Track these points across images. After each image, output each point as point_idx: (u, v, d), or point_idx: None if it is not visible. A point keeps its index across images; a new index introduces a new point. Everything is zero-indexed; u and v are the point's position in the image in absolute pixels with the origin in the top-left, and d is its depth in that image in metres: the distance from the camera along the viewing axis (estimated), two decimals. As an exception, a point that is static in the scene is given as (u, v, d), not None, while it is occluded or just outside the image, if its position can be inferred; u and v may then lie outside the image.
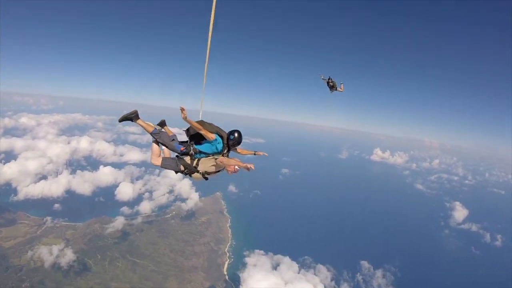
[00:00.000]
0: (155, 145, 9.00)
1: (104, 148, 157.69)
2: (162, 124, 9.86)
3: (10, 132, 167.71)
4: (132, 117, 8.96)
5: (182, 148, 8.87)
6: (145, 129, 9.04)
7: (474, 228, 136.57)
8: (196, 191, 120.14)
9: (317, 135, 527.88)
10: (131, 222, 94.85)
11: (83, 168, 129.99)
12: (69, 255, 75.26)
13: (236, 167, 7.80)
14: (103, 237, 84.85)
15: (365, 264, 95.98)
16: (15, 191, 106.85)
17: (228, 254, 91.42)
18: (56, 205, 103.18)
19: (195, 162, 8.63)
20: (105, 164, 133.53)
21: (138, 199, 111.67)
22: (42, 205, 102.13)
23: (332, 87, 17.87)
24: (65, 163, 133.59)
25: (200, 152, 8.75)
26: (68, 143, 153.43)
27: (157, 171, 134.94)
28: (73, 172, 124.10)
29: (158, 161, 8.89)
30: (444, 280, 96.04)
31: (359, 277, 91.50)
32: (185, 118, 8.07)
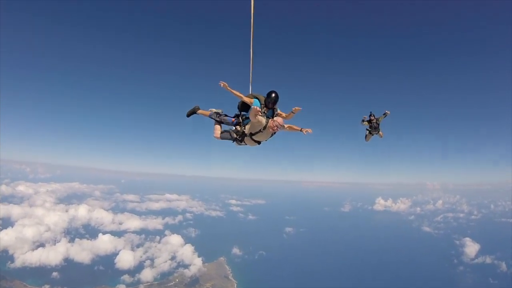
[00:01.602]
0: (216, 124, 10.57)
1: (102, 216, 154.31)
2: (197, 108, 11.28)
3: (7, 199, 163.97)
4: (193, 110, 11.03)
5: (233, 119, 10.24)
6: (204, 114, 10.87)
7: (488, 260, 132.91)
8: (199, 256, 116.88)
9: (317, 191, 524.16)
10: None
11: (81, 236, 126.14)
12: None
13: (276, 122, 8.68)
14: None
15: None
16: (11, 258, 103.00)
17: None
18: (54, 273, 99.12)
19: (243, 128, 9.62)
20: (104, 232, 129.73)
21: (139, 267, 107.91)
22: (39, 273, 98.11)
23: (375, 129, 15.56)
24: (63, 231, 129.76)
25: (246, 118, 9.69)
26: (66, 211, 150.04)
27: (158, 237, 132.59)
28: (71, 240, 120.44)
29: (217, 135, 10.33)
30: None
31: None
32: (226, 88, 8.67)
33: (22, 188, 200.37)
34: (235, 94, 8.86)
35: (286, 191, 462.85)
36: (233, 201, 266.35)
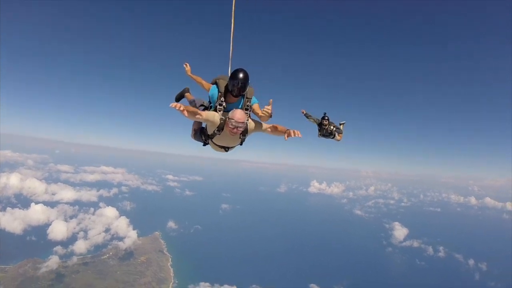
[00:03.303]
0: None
1: (35, 185, 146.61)
2: (186, 91, 9.19)
3: None
4: (181, 93, 8.88)
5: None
6: (188, 100, 8.70)
7: (415, 244, 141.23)
8: (134, 229, 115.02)
9: (254, 171, 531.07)
10: (66, 263, 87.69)
11: (13, 206, 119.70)
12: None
13: (232, 120, 6.15)
14: (36, 279, 78.43)
15: (314, 287, 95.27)
16: None
17: None
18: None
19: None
20: (37, 202, 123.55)
21: (73, 239, 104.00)
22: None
23: (329, 134, 12.57)
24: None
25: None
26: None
27: (92, 209, 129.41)
28: (3, 209, 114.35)
29: (192, 134, 7.93)
30: (393, 287, 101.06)
31: None
32: (187, 73, 7.98)
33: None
34: (196, 80, 7.79)
35: (224, 169, 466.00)
36: (170, 177, 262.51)
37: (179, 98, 8.89)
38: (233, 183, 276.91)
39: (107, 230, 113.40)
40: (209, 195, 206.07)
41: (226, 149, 7.22)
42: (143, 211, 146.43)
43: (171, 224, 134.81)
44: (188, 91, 8.73)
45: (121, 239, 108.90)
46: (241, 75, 6.33)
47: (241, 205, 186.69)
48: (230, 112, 6.28)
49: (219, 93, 6.73)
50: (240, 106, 6.73)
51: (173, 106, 5.42)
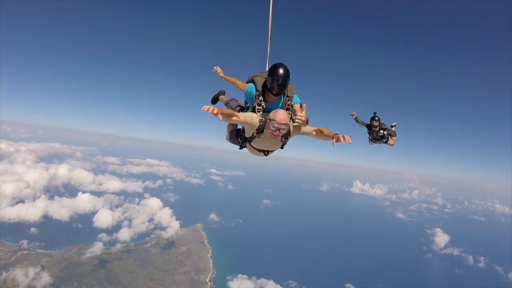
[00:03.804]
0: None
1: (83, 176, 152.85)
2: (221, 93, 8.57)
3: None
4: (217, 95, 8.29)
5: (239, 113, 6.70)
6: (222, 101, 8.17)
7: (456, 252, 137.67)
8: (176, 220, 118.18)
9: (297, 169, 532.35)
10: (109, 250, 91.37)
11: (61, 195, 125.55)
12: (45, 278, 72.44)
13: (271, 125, 5.47)
14: (80, 264, 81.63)
15: (350, 286, 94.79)
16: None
17: (210, 284, 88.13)
18: (33, 229, 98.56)
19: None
20: (84, 192, 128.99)
21: (117, 227, 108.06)
22: (18, 229, 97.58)
23: (381, 137, 11.67)
24: (43, 188, 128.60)
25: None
26: (47, 169, 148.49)
27: (137, 200, 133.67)
28: (51, 198, 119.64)
29: (227, 135, 7.51)
30: None
31: None
32: (220, 75, 7.33)
33: (3, 146, 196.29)
34: (230, 82, 7.04)
35: (267, 166, 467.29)
36: (214, 171, 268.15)
37: (214, 101, 8.32)
38: (275, 179, 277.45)
39: (150, 220, 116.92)
40: (251, 190, 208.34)
41: (266, 153, 6.64)
42: (187, 203, 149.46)
43: (213, 216, 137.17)
44: (223, 94, 8.22)
45: (163, 229, 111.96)
46: (281, 71, 5.73)
47: (282, 202, 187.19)
48: (271, 113, 5.62)
49: (257, 92, 6.14)
50: (280, 106, 6.17)
51: (206, 109, 4.84)
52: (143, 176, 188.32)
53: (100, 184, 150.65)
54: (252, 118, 5.75)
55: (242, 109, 7.01)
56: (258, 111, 5.92)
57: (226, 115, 5.15)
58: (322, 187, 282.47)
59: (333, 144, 5.36)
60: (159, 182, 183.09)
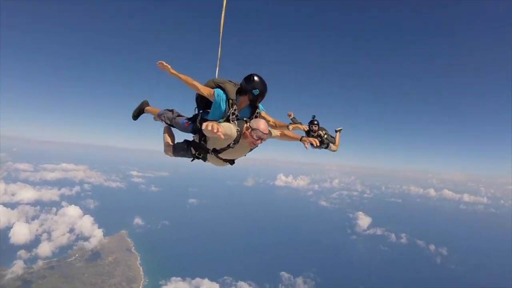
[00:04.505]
0: (166, 130, 7.15)
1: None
2: (144, 104, 7.82)
3: None
4: (141, 107, 7.51)
5: (186, 122, 6.67)
6: (153, 114, 7.36)
7: (379, 232, 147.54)
8: (99, 228, 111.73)
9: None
10: (31, 269, 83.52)
11: None
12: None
13: (258, 132, 5.36)
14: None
15: (284, 274, 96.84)
16: None
17: None
18: None
19: (203, 139, 6.21)
20: None
21: (36, 241, 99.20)
22: None
23: (321, 143, 10.60)
24: None
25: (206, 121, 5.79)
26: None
27: (54, 209, 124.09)
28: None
29: (169, 151, 6.89)
30: (360, 274, 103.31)
31: (281, 287, 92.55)
32: (170, 71, 5.83)
33: None
34: (183, 80, 5.96)
35: (190, 164, 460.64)
36: (135, 173, 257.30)
37: (137, 114, 7.64)
38: (200, 177, 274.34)
39: (71, 230, 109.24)
40: (176, 190, 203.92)
41: (232, 162, 6.43)
42: (108, 209, 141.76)
43: (137, 220, 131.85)
44: (147, 104, 7.57)
45: (86, 239, 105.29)
46: (264, 83, 5.74)
47: (208, 200, 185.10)
48: (252, 122, 5.53)
49: (230, 100, 5.83)
50: (249, 114, 6.02)
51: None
52: (58, 183, 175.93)
53: (12, 195, 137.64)
54: (231, 130, 5.49)
55: (192, 119, 6.58)
56: (233, 121, 5.71)
57: (210, 131, 4.78)
58: (247, 182, 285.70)
59: (306, 147, 5.91)
60: (77, 188, 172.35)
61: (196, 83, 5.95)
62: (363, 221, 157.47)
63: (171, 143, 6.96)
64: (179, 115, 6.91)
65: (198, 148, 6.30)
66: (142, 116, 7.58)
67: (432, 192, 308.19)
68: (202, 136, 6.11)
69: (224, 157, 6.16)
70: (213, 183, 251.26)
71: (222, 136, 4.81)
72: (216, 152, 6.00)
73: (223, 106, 5.81)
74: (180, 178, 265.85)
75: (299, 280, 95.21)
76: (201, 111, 6.47)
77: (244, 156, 6.36)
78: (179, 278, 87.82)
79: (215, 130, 4.62)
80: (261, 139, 5.47)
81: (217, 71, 6.62)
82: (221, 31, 6.45)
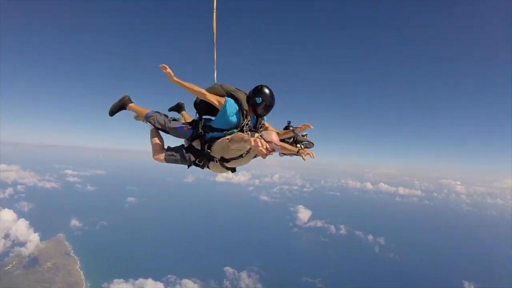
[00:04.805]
0: (153, 132, 6.78)
1: None
2: (179, 107, 7.70)
3: None
4: (122, 103, 6.90)
5: (185, 127, 6.45)
6: (139, 114, 6.90)
7: (319, 224, 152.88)
8: (35, 232, 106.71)
9: (160, 163, 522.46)
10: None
11: None
12: None
13: (266, 146, 4.91)
14: None
15: (229, 269, 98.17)
16: None
17: None
18: None
19: (206, 146, 6.10)
20: None
21: None
22: None
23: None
24: None
25: (212, 130, 6.06)
26: None
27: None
28: None
29: (161, 156, 6.50)
30: (302, 265, 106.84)
31: (226, 282, 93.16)
32: (172, 79, 5.68)
33: None
34: (187, 88, 5.82)
35: (128, 161, 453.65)
36: (70, 171, 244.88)
37: (116, 111, 6.98)
38: (138, 175, 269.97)
39: (6, 236, 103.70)
40: (113, 189, 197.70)
41: (234, 169, 6.35)
42: (43, 211, 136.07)
43: (74, 222, 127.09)
44: (130, 101, 6.92)
45: (22, 244, 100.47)
46: (273, 96, 5.81)
47: (147, 198, 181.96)
48: (265, 134, 5.31)
49: (245, 111, 5.84)
50: (254, 124, 6.07)
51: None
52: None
53: None
54: (249, 139, 5.04)
55: (192, 124, 6.47)
56: (246, 132, 5.77)
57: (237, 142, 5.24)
58: (188, 179, 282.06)
59: (304, 159, 6.26)
60: (9, 190, 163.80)
61: (203, 90, 5.85)
62: (304, 214, 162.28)
63: (163, 148, 6.61)
64: (174, 119, 6.72)
65: (198, 155, 6.22)
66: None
67: (369, 185, 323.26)
68: (206, 143, 6.11)
69: (232, 166, 6.16)
70: (152, 180, 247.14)
71: (265, 153, 4.81)
72: (223, 160, 5.98)
73: (237, 116, 5.81)
74: (117, 176, 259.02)
75: (244, 274, 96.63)
76: (203, 117, 6.43)
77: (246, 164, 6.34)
78: (121, 280, 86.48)
79: (265, 149, 4.67)
80: (273, 150, 5.23)
81: (215, 75, 6.46)
82: (214, 30, 6.36)
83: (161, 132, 6.82)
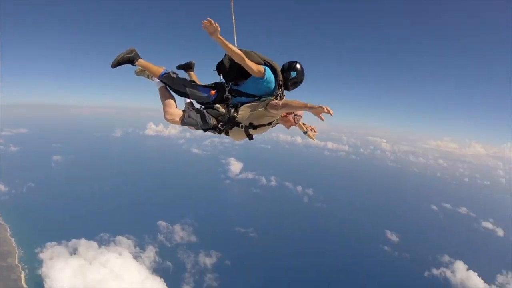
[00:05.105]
0: (164, 91, 6.26)
1: None
2: (189, 66, 7.03)
3: None
4: (131, 57, 6.07)
5: (212, 91, 6.11)
6: (150, 71, 6.24)
7: (250, 176, 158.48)
8: None
9: (86, 117, 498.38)
10: None
11: None
12: None
13: (296, 119, 6.06)
14: None
15: (162, 223, 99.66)
16: None
17: (20, 266, 79.01)
18: None
19: (232, 110, 6.01)
20: None
21: None
22: None
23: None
24: None
25: (240, 94, 6.05)
26: None
27: None
28: None
29: (176, 116, 6.06)
30: (235, 216, 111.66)
31: (160, 237, 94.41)
32: (216, 36, 5.19)
33: None
34: (229, 49, 5.41)
35: (51, 117, 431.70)
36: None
37: (120, 64, 6.13)
38: (63, 131, 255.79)
39: None
40: (38, 147, 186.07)
41: (252, 137, 6.41)
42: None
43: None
44: (138, 56, 6.16)
45: None
46: (304, 73, 6.05)
47: (74, 155, 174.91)
48: (294, 102, 5.47)
49: (279, 81, 5.94)
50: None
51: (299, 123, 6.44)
52: None
53: None
54: (293, 103, 5.49)
55: (216, 88, 6.21)
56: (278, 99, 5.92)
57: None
58: (116, 133, 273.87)
59: (321, 119, 5.23)
60: None
61: (243, 54, 5.51)
62: (235, 166, 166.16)
63: (176, 108, 6.20)
64: (192, 82, 6.33)
65: (223, 120, 6.07)
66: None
67: (299, 139, 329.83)
68: (230, 108, 6.04)
69: (255, 133, 6.27)
70: (78, 135, 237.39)
71: (300, 116, 5.74)
72: (250, 127, 6.04)
73: (273, 85, 5.88)
74: (41, 133, 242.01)
75: (177, 228, 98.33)
76: (229, 82, 6.21)
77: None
78: (54, 243, 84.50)
79: (275, 105, 5.42)
80: (296, 123, 6.12)
81: (235, 39, 5.98)
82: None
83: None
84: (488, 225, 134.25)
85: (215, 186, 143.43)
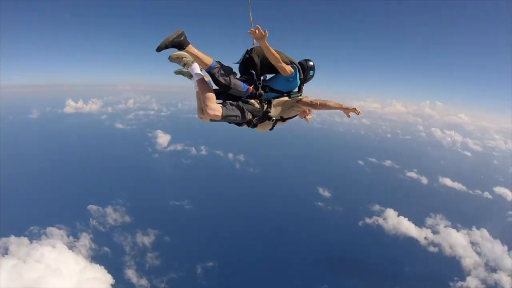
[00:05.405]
0: (204, 84, 6.02)
1: None
2: (184, 40, 5.61)
3: None
4: (180, 41, 5.37)
5: (250, 87, 6.28)
6: (199, 61, 5.76)
7: (179, 147, 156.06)
8: None
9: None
10: None
11: None
12: None
13: (310, 112, 7.10)
14: None
15: (92, 207, 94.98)
16: None
17: None
18: None
19: (265, 105, 6.39)
20: None
21: None
22: None
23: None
24: None
25: (272, 91, 6.50)
26: None
27: None
28: None
29: (217, 110, 5.84)
30: (168, 189, 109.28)
31: (93, 222, 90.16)
32: (263, 41, 5.54)
33: None
34: (272, 55, 5.81)
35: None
36: None
37: (167, 47, 5.42)
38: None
39: None
40: None
41: (272, 128, 6.95)
42: None
43: None
44: (188, 41, 5.53)
45: None
46: (315, 68, 6.84)
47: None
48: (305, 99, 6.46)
49: (303, 79, 6.73)
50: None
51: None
52: None
53: None
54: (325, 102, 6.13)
55: (247, 81, 6.36)
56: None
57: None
58: (32, 114, 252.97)
59: (348, 116, 5.92)
60: None
61: (279, 59, 5.93)
62: (163, 139, 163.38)
63: (215, 103, 5.97)
64: (235, 75, 6.24)
65: (258, 115, 6.36)
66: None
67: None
68: (265, 102, 6.42)
69: (281, 125, 6.89)
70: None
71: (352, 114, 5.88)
72: (280, 120, 6.69)
73: (298, 82, 6.59)
74: None
75: (109, 210, 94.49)
76: (261, 79, 6.46)
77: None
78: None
79: (309, 101, 6.26)
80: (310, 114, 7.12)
81: (254, 41, 6.07)
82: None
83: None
84: (412, 175, 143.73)
85: (144, 161, 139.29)
